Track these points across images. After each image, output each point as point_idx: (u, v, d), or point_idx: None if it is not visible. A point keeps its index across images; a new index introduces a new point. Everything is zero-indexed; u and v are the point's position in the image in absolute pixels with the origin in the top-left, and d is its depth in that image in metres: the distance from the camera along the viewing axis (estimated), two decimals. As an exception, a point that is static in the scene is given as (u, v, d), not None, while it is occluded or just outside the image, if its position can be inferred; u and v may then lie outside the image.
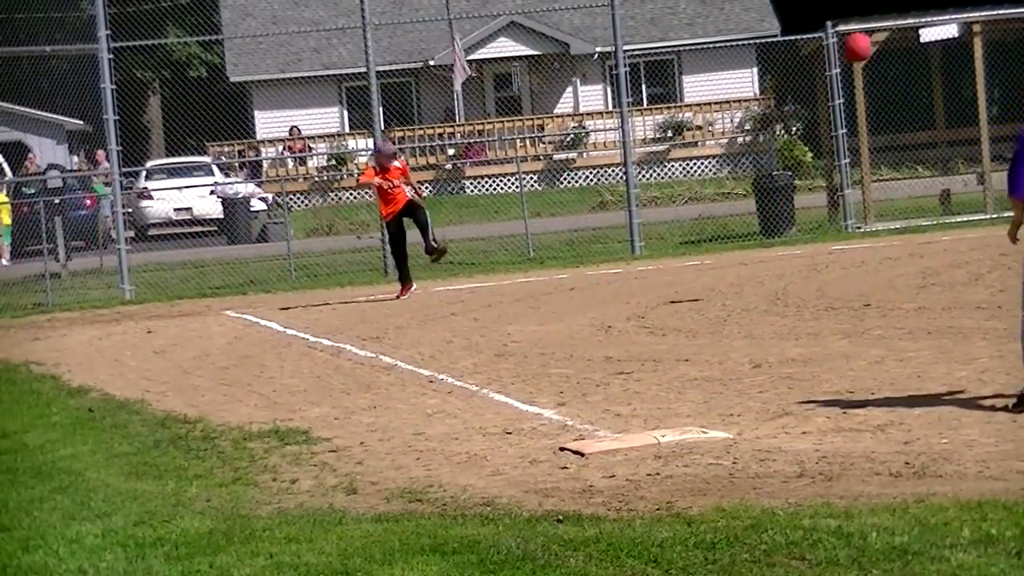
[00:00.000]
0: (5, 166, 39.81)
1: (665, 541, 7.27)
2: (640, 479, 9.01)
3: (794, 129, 45.28)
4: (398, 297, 22.02)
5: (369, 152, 37.19)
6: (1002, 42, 32.47)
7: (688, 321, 16.94)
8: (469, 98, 47.13)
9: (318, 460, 10.35)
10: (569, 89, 48.45)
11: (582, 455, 9.82)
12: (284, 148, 45.50)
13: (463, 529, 7.88)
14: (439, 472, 9.65)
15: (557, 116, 47.43)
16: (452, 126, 45.81)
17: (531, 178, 44.68)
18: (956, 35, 28.71)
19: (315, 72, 47.57)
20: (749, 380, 12.37)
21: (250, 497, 9.22)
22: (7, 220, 34.87)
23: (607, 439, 10.27)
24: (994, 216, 28.12)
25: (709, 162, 46.39)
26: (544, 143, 46.49)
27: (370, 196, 37.21)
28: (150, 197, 40.67)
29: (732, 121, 46.72)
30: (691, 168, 46.19)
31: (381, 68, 33.02)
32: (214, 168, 41.97)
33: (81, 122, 43.84)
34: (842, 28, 28.34)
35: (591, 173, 45.68)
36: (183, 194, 40.33)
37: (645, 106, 47.38)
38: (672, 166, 46.19)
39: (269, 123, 47.11)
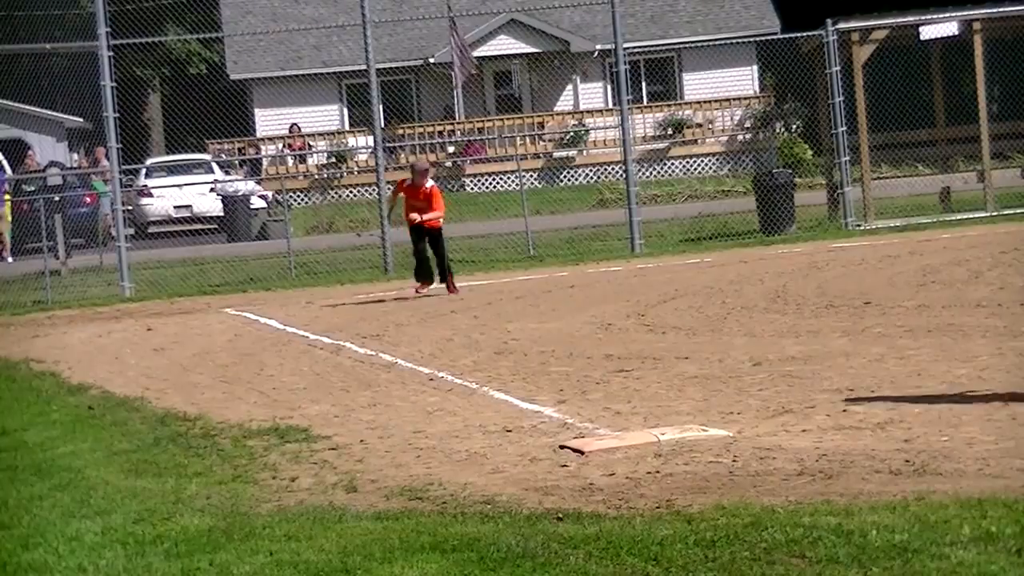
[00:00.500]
0: (5, 164, 39.77)
1: (665, 539, 7.27)
2: (640, 477, 9.01)
3: (794, 127, 45.27)
4: (417, 292, 22.23)
5: (369, 150, 37.28)
6: (1002, 40, 32.47)
7: (688, 319, 16.94)
8: (469, 96, 47.11)
9: (318, 458, 10.35)
10: (569, 87, 48.44)
11: (582, 453, 9.82)
12: (284, 146, 45.48)
13: (463, 527, 7.88)
14: (439, 470, 9.65)
15: (557, 114, 47.41)
16: (452, 124, 45.80)
17: (531, 176, 44.66)
18: (956, 33, 28.70)
19: (315, 69, 47.55)
20: (749, 378, 12.37)
21: (250, 495, 9.21)
22: (9, 216, 34.86)
23: (607, 437, 10.27)
24: (994, 214, 28.13)
25: (709, 160, 46.38)
26: (544, 141, 46.47)
27: (370, 193, 37.28)
28: (150, 195, 40.66)
29: (732, 119, 46.71)
30: (691, 166, 46.18)
31: (381, 66, 33.01)
32: (214, 166, 41.96)
33: (81, 120, 43.83)
34: (842, 26, 28.34)
35: (591, 171, 45.67)
36: (183, 192, 40.31)
37: (645, 104, 47.36)
38: (672, 164, 46.18)
39: (269, 121, 47.09)
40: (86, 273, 29.46)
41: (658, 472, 9.11)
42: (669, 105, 47.30)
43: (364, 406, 12.53)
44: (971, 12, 28.66)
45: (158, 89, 55.21)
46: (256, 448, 10.85)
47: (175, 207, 40.89)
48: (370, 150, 34.38)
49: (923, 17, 28.78)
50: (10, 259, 34.09)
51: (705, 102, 46.74)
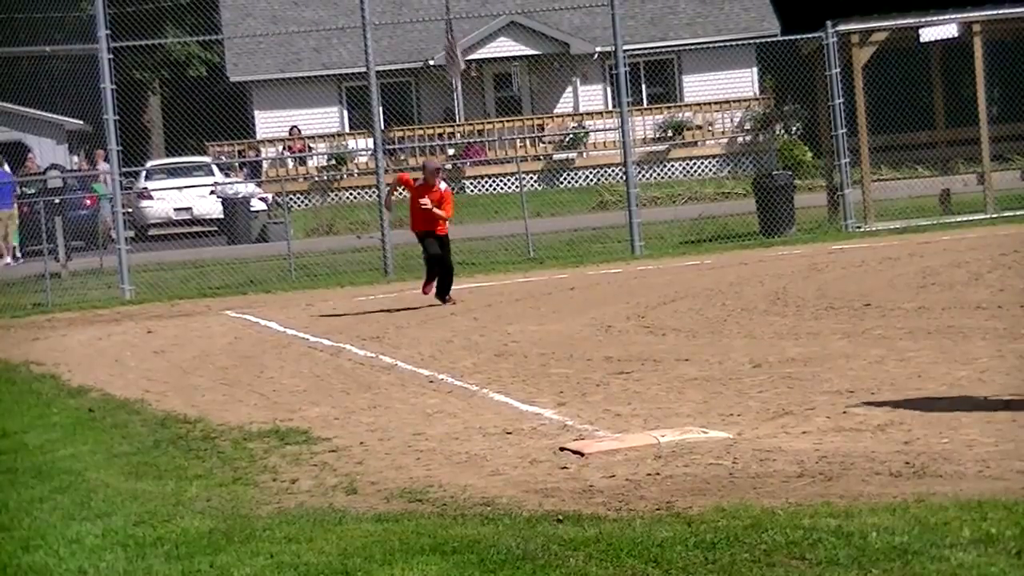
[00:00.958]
0: (5, 166, 39.77)
1: (665, 541, 7.27)
2: (640, 479, 9.01)
3: (794, 129, 45.29)
4: (424, 291, 20.86)
5: (369, 152, 37.26)
6: (1002, 42, 32.47)
7: (688, 321, 16.94)
8: (469, 98, 47.12)
9: (318, 460, 10.35)
10: (569, 89, 48.45)
11: (582, 455, 9.82)
12: (284, 148, 45.50)
13: (463, 529, 7.88)
14: (439, 472, 9.65)
15: (557, 116, 47.42)
16: (452, 126, 45.82)
17: (531, 178, 44.68)
18: (956, 35, 28.70)
19: (315, 72, 47.57)
20: (749, 380, 12.37)
21: (250, 497, 9.22)
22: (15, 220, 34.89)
23: (607, 439, 10.27)
24: (994, 216, 28.13)
25: (709, 162, 46.39)
26: (544, 143, 46.49)
27: (370, 196, 37.27)
28: (150, 197, 40.67)
29: (732, 121, 46.72)
30: (691, 168, 46.19)
31: (381, 68, 33.03)
32: (214, 168, 41.96)
33: (81, 122, 43.85)
34: (842, 28, 28.34)
35: (591, 173, 45.68)
36: (183, 194, 40.33)
37: (645, 106, 47.37)
38: (672, 166, 46.20)
39: (269, 123, 47.11)
40: (86, 276, 29.46)
41: (658, 474, 9.12)
42: (669, 107, 47.31)
43: (364, 408, 12.53)
44: (971, 14, 28.66)
45: (158, 91, 55.22)
46: (256, 450, 10.85)
47: (175, 209, 40.90)
48: (370, 152, 34.38)
49: (923, 19, 28.79)
50: (11, 261, 34.08)
51: (705, 104, 46.76)
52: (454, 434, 10.96)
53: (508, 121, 46.05)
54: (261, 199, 39.23)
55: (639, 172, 37.33)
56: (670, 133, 46.36)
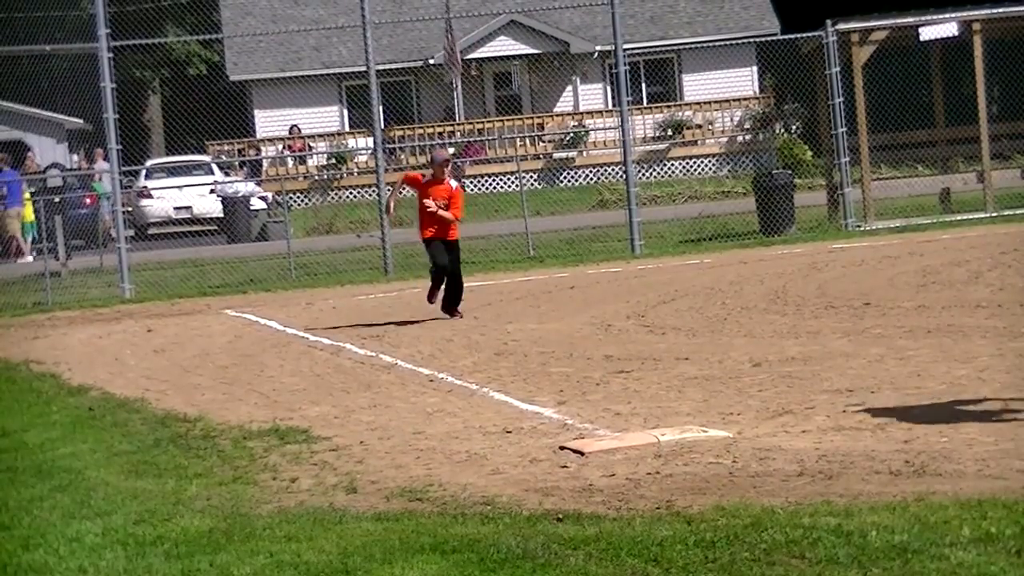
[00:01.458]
0: (7, 167, 39.78)
1: (665, 540, 7.28)
2: (640, 478, 9.01)
3: (794, 128, 45.29)
4: (429, 300, 18.92)
5: (368, 151, 37.26)
6: (1001, 40, 32.48)
7: (688, 320, 16.95)
8: (469, 97, 47.12)
9: (318, 459, 10.35)
10: (569, 88, 48.45)
11: (582, 454, 9.82)
12: (284, 147, 45.50)
13: (463, 528, 7.88)
14: (439, 471, 9.65)
15: (557, 115, 47.43)
16: (452, 125, 45.81)
17: (531, 177, 44.69)
18: (956, 34, 28.70)
19: (315, 71, 47.58)
20: (749, 379, 12.37)
21: (250, 496, 9.22)
22: (31, 216, 34.92)
23: (607, 438, 10.28)
24: (994, 214, 28.14)
25: (709, 161, 46.39)
26: (544, 142, 46.49)
27: (370, 195, 37.29)
28: (150, 196, 40.67)
29: (732, 120, 46.72)
30: (691, 167, 46.19)
31: (381, 67, 33.03)
32: (214, 167, 41.96)
33: (81, 121, 43.84)
34: (842, 27, 28.34)
35: (591, 172, 45.69)
36: (183, 193, 40.33)
37: (645, 105, 47.38)
38: (672, 165, 46.20)
39: (269, 122, 47.11)
40: (86, 274, 29.46)
41: (658, 473, 9.12)
42: (669, 106, 47.32)
43: (364, 407, 12.53)
44: (971, 13, 28.67)
45: (158, 90, 55.22)
46: (256, 449, 10.85)
47: (175, 208, 40.90)
48: (370, 151, 34.38)
49: (923, 18, 28.79)
50: (29, 258, 34.12)
51: (705, 103, 46.76)
52: (454, 433, 10.97)
53: (508, 120, 46.06)
54: (261, 198, 39.24)
55: (639, 171, 37.34)
56: (670, 132, 46.36)
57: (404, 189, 19.72)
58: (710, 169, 45.87)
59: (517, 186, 36.03)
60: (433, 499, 8.79)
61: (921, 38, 29.06)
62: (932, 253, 22.55)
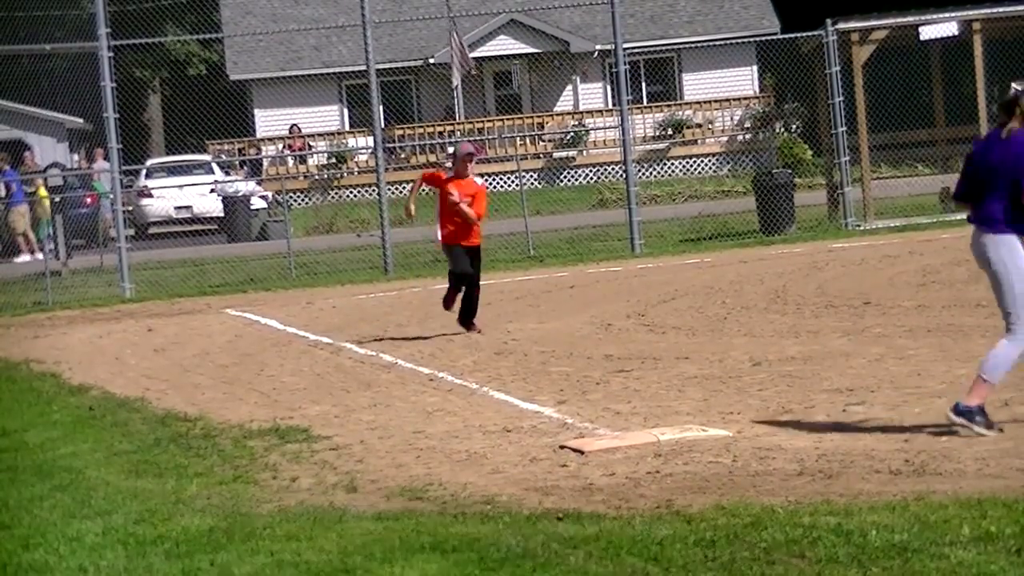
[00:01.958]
0: (6, 167, 39.78)
1: (665, 539, 7.28)
2: (640, 477, 9.02)
3: (794, 127, 45.28)
4: (446, 307, 16.93)
5: (369, 151, 37.26)
6: (1001, 40, 32.46)
7: (688, 319, 16.95)
8: (469, 96, 47.11)
9: (318, 458, 10.35)
10: (569, 87, 48.44)
11: (582, 453, 9.83)
12: (284, 146, 45.49)
13: (463, 527, 7.88)
14: (439, 470, 9.66)
15: (557, 114, 47.41)
16: (452, 124, 45.80)
17: (531, 176, 44.69)
18: (956, 33, 28.70)
19: (315, 70, 47.56)
20: (749, 378, 12.38)
21: (250, 495, 9.22)
22: (48, 214, 34.95)
23: (607, 437, 10.28)
24: (994, 214, 28.10)
25: (709, 160, 46.38)
26: (544, 141, 46.48)
27: (370, 194, 37.32)
28: (150, 195, 40.67)
29: (732, 119, 46.71)
30: (691, 166, 46.19)
31: (381, 66, 33.01)
32: (214, 166, 41.95)
33: (81, 120, 43.83)
34: (842, 26, 28.34)
35: (591, 171, 45.68)
36: (183, 192, 40.32)
37: (645, 104, 47.36)
38: (672, 164, 46.19)
39: (269, 121, 47.10)
40: (86, 274, 29.46)
41: (658, 472, 9.13)
42: (669, 105, 47.31)
43: (364, 406, 12.54)
44: (971, 12, 28.66)
45: (158, 90, 55.21)
46: (256, 448, 10.86)
47: (175, 208, 40.89)
48: (370, 150, 34.38)
49: (923, 17, 28.79)
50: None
51: (705, 102, 46.75)
52: (454, 432, 10.97)
53: (508, 119, 46.04)
54: (261, 197, 39.23)
55: (639, 170, 37.30)
56: (670, 131, 46.35)
57: (424, 188, 17.56)
58: (710, 168, 45.85)
59: (517, 185, 36.02)
60: (433, 498, 8.80)
61: (921, 37, 29.06)
62: (932, 252, 22.55)
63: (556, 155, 46.39)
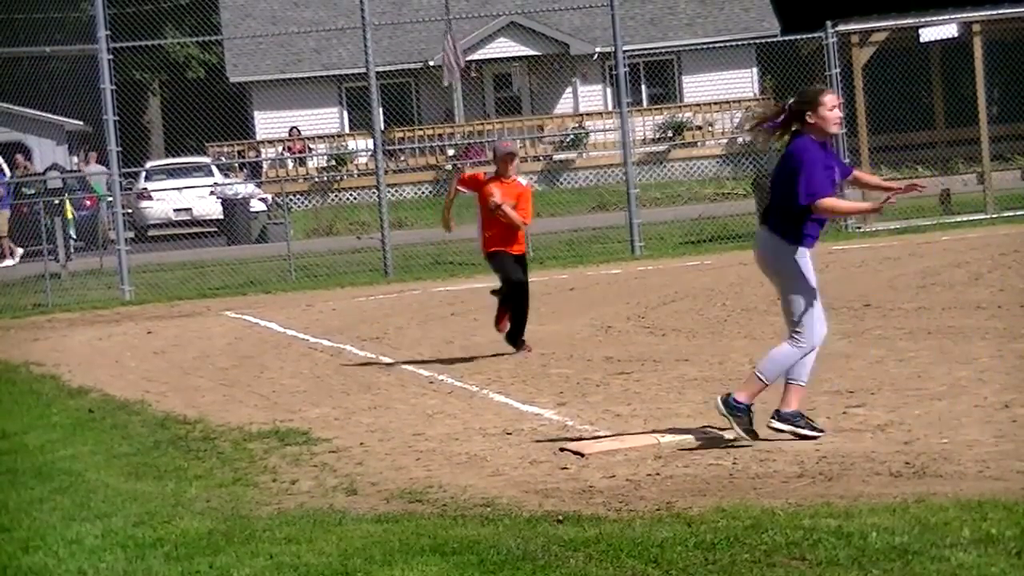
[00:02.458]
0: (5, 167, 39.80)
1: (665, 541, 7.27)
2: (640, 479, 9.01)
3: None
4: (498, 327, 15.32)
5: (368, 153, 37.23)
6: (1002, 41, 32.50)
7: (688, 321, 16.94)
8: (469, 98, 47.13)
9: (318, 461, 10.35)
10: (569, 89, 48.46)
11: (582, 455, 9.82)
12: (284, 149, 45.50)
13: (463, 530, 7.88)
14: (439, 473, 9.65)
15: (557, 116, 47.43)
16: (452, 126, 45.81)
17: (531, 178, 44.67)
18: (956, 35, 28.71)
19: (315, 73, 47.58)
20: (749, 380, 12.35)
21: (250, 498, 9.21)
22: (69, 214, 34.97)
23: (607, 439, 10.27)
24: (994, 216, 28.14)
25: (709, 162, 46.38)
26: (544, 143, 46.49)
27: (370, 196, 37.30)
28: (150, 198, 40.66)
29: (732, 121, 46.72)
30: (691, 168, 46.19)
31: (381, 69, 33.02)
32: (214, 169, 41.95)
33: (81, 123, 43.85)
34: (842, 28, 28.34)
35: (591, 173, 45.69)
36: (183, 195, 40.33)
37: (645, 106, 47.38)
38: (672, 166, 46.19)
39: (269, 124, 47.10)
40: (86, 276, 29.46)
41: (658, 474, 9.12)
42: (669, 107, 47.32)
43: (364, 409, 12.53)
44: (971, 14, 28.67)
45: (158, 92, 55.22)
46: (256, 451, 10.85)
47: (175, 210, 40.89)
48: (370, 153, 34.38)
49: (923, 19, 28.80)
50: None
51: (705, 104, 46.76)
52: (454, 435, 10.96)
53: (508, 122, 46.05)
54: (261, 200, 39.22)
55: (639, 172, 37.31)
56: (670, 133, 46.36)
57: (462, 192, 15.52)
58: (710, 170, 45.85)
59: (517, 188, 35.95)
60: (433, 501, 8.79)
61: (921, 39, 29.09)
62: (932, 255, 22.55)
63: (556, 157, 46.40)
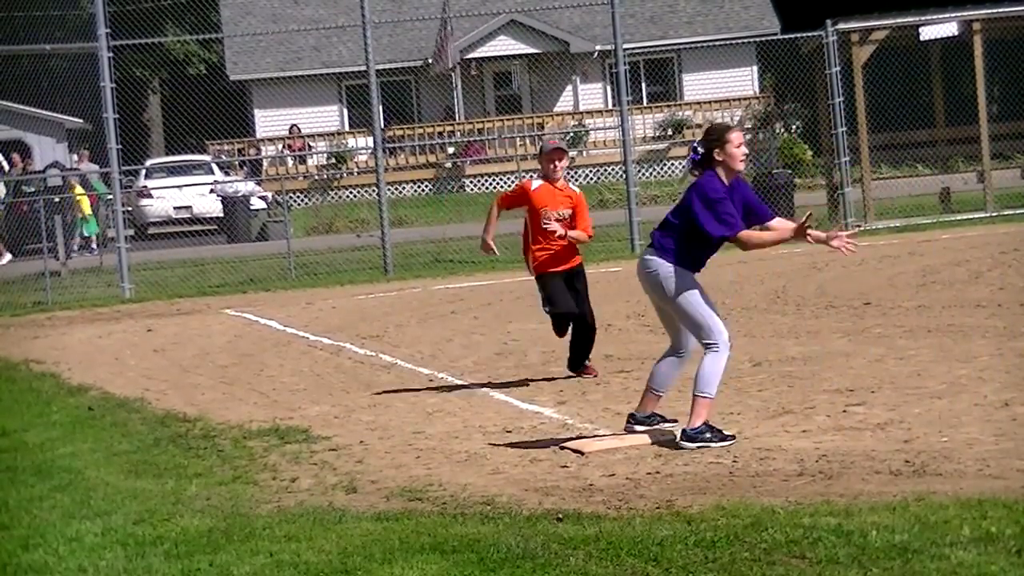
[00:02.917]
0: (5, 164, 39.77)
1: (665, 539, 7.27)
2: (640, 477, 9.01)
3: (794, 127, 45.28)
4: (580, 374, 13.38)
5: (368, 151, 37.24)
6: (1002, 40, 32.47)
7: (688, 319, 16.91)
8: (469, 97, 47.12)
9: (318, 459, 10.35)
10: (569, 87, 48.45)
11: (582, 453, 9.82)
12: (284, 146, 45.50)
13: (463, 528, 7.88)
14: (439, 471, 9.65)
15: (557, 114, 47.41)
16: (452, 124, 45.81)
17: (531, 176, 44.67)
18: (956, 33, 28.70)
19: (315, 70, 47.58)
20: (749, 378, 12.37)
21: (250, 495, 9.22)
22: (87, 210, 34.97)
23: (607, 437, 10.27)
24: (994, 214, 28.14)
25: (709, 160, 46.31)
26: (544, 141, 46.44)
27: (370, 194, 37.33)
28: (150, 196, 40.65)
29: (732, 119, 46.70)
30: (691, 166, 46.11)
31: (381, 66, 33.01)
32: (214, 166, 41.94)
33: (81, 120, 43.83)
34: (842, 26, 28.34)
35: (591, 171, 45.67)
36: (183, 192, 40.31)
37: (645, 104, 47.37)
38: (672, 164, 46.18)
39: (269, 121, 47.10)
40: (86, 274, 29.46)
41: (658, 473, 9.12)
42: (669, 106, 47.32)
43: (364, 407, 12.53)
44: (971, 12, 28.67)
45: (158, 90, 55.21)
46: (256, 449, 10.85)
47: (175, 208, 40.87)
48: (370, 151, 34.37)
49: (923, 17, 28.79)
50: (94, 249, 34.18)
51: (705, 103, 46.76)
52: (454, 433, 10.97)
53: (508, 120, 46.05)
54: (261, 197, 39.22)
55: (639, 170, 37.32)
56: (670, 131, 46.36)
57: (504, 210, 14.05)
58: (710, 169, 45.79)
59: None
60: (433, 499, 8.79)
61: (921, 38, 29.06)
62: (932, 253, 22.55)
63: (556, 155, 46.32)
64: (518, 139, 45.08)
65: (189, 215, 40.53)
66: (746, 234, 10.01)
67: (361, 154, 43.50)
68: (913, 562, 6.64)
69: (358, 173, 44.12)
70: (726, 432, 9.88)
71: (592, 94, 48.34)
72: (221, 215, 38.91)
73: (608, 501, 8.41)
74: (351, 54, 45.06)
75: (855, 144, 28.33)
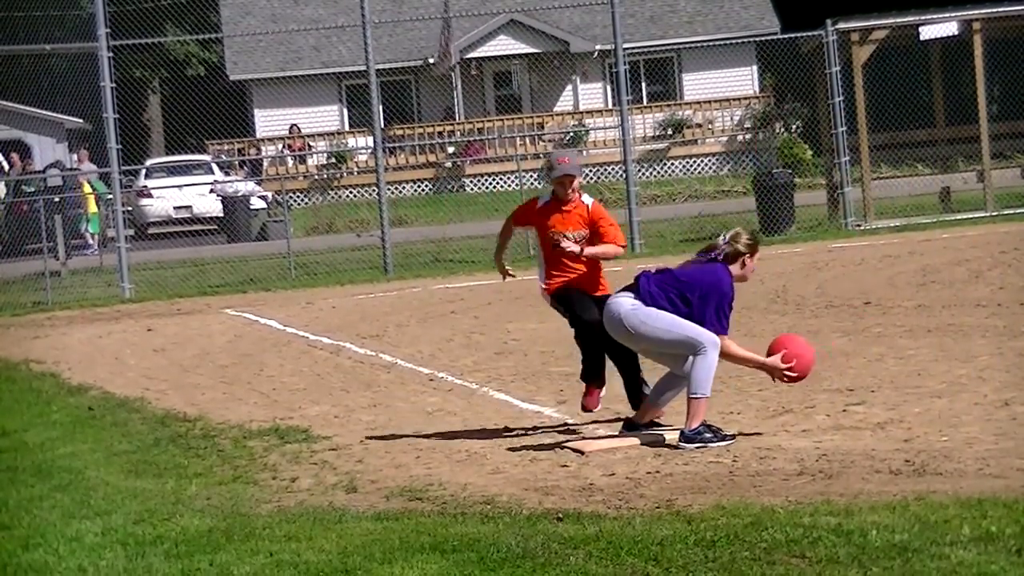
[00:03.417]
0: (5, 164, 39.76)
1: (665, 539, 7.27)
2: (640, 477, 9.01)
3: (794, 127, 45.26)
4: (585, 407, 10.90)
5: (368, 151, 37.22)
6: (1002, 40, 32.45)
7: (688, 319, 16.91)
8: (469, 96, 47.12)
9: (318, 458, 10.35)
10: (569, 87, 48.44)
11: (582, 453, 9.82)
12: (284, 146, 45.49)
13: (463, 527, 7.88)
14: (439, 470, 9.66)
15: (557, 114, 47.40)
16: (452, 124, 45.81)
17: (531, 176, 44.67)
18: (956, 33, 28.69)
19: (315, 70, 47.57)
20: (749, 378, 12.36)
21: (250, 495, 9.22)
22: (94, 208, 34.96)
23: (607, 437, 10.27)
24: (994, 214, 28.13)
25: (709, 160, 46.37)
26: (544, 141, 46.46)
27: (370, 194, 37.30)
28: (150, 195, 40.65)
29: (732, 119, 46.71)
30: (691, 166, 46.18)
31: (381, 66, 33.00)
32: (214, 166, 41.93)
33: (81, 120, 43.83)
34: (842, 26, 28.33)
35: (591, 171, 45.63)
36: (183, 192, 40.31)
37: (645, 104, 47.36)
38: (672, 164, 46.18)
39: (269, 121, 47.09)
40: (86, 274, 29.46)
41: (658, 472, 9.12)
42: (669, 105, 47.30)
43: (364, 406, 12.53)
44: (971, 12, 28.66)
45: (158, 90, 55.20)
46: (256, 449, 10.85)
47: (175, 208, 40.86)
48: (370, 151, 34.37)
49: (923, 17, 28.78)
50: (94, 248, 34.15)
51: (705, 102, 46.75)
52: (454, 433, 10.96)
53: (508, 119, 46.04)
54: (261, 197, 39.22)
55: (639, 170, 37.32)
56: (670, 131, 46.34)
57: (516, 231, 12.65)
58: (710, 168, 45.85)
59: (517, 185, 35.98)
60: (433, 498, 8.79)
61: (921, 37, 29.05)
62: (932, 252, 22.55)
63: (556, 155, 46.31)
64: (518, 139, 45.07)
65: (189, 215, 40.52)
66: (729, 342, 10.04)
67: (361, 154, 43.49)
68: (913, 561, 6.64)
69: (358, 173, 44.12)
70: (726, 432, 9.88)
71: (592, 94, 48.34)
72: (221, 215, 38.91)
73: (608, 501, 8.41)
74: (351, 54, 45.05)
75: (855, 144, 28.33)
